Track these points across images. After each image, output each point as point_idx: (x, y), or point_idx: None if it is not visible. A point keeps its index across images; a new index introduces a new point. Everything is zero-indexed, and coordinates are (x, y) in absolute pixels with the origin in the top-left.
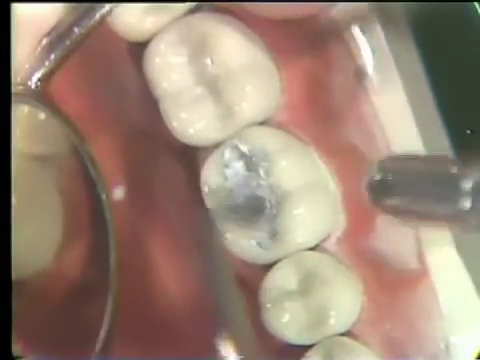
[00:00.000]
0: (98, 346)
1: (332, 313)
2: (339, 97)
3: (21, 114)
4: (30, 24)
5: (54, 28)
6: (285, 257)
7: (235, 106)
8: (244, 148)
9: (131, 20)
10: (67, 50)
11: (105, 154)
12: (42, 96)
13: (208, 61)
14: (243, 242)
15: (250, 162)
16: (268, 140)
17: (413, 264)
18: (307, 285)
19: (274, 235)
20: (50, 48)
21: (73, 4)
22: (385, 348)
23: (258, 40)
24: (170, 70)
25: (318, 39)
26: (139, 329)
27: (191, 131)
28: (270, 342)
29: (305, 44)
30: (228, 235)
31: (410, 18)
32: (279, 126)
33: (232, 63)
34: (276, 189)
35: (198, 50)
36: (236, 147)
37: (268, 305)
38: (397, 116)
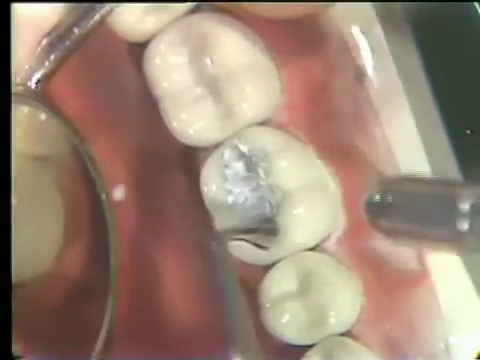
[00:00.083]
0: (98, 346)
1: (332, 313)
2: (339, 97)
3: (21, 114)
4: (30, 24)
5: (54, 28)
6: (285, 257)
7: (235, 106)
8: (244, 148)
9: (131, 20)
10: (67, 50)
11: (105, 154)
12: (42, 96)
13: (208, 61)
14: (243, 242)
15: (250, 162)
16: (268, 140)
17: (413, 264)
18: (307, 285)
19: (274, 235)
20: (50, 48)
21: (73, 4)
22: (385, 348)
23: (258, 40)
24: (170, 70)
25: (318, 39)
26: (139, 329)
27: (191, 131)
28: (270, 342)
29: (305, 44)
30: (227, 233)
31: (410, 18)
32: (279, 126)
33: (232, 63)
34: (276, 189)
35: (198, 50)
36: (236, 147)
37: (268, 305)
38: (396, 116)
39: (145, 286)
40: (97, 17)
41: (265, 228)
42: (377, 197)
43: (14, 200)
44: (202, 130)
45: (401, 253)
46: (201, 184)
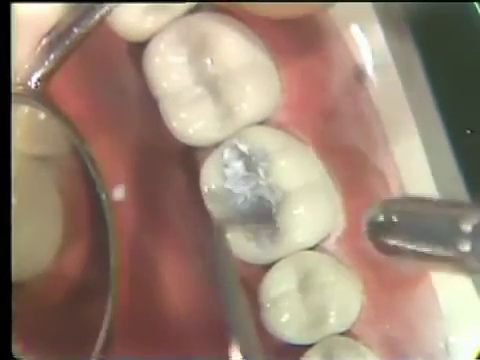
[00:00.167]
0: (98, 346)
1: (332, 313)
2: (339, 97)
3: (21, 114)
4: (30, 24)
5: (54, 28)
6: (285, 257)
7: (235, 106)
8: (244, 148)
9: (131, 20)
10: (67, 50)
11: (105, 154)
12: (42, 96)
13: (208, 61)
14: (243, 242)
15: (249, 162)
16: (268, 140)
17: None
18: (307, 285)
19: (274, 235)
20: (50, 48)
21: (73, 4)
22: (385, 348)
23: (258, 40)
24: (170, 70)
25: (318, 39)
26: (140, 329)
27: (191, 131)
28: (270, 342)
29: (305, 44)
30: (228, 235)
31: (410, 18)
32: (279, 126)
33: (232, 63)
34: (276, 189)
35: (198, 50)
36: (235, 147)
37: (268, 305)
38: (396, 116)
39: (145, 286)
40: (97, 17)
41: (262, 217)
42: (379, 217)
43: (14, 200)
44: (202, 130)
45: None
46: (201, 183)
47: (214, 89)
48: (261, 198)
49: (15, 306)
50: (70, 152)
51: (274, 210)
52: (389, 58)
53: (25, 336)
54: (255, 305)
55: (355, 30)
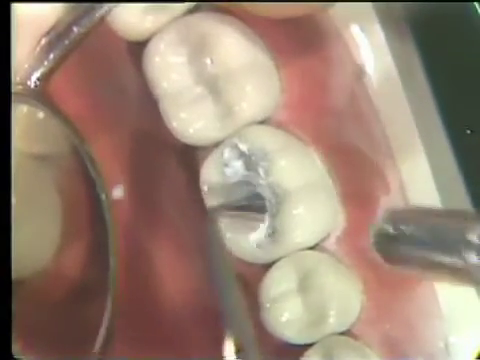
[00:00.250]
0: (97, 345)
1: (332, 312)
2: (339, 97)
3: (20, 114)
4: (30, 24)
5: (53, 28)
6: (285, 256)
7: (235, 106)
8: (244, 147)
9: (131, 20)
10: (66, 50)
11: (105, 154)
12: (41, 96)
13: (208, 61)
14: (243, 242)
15: (249, 161)
16: (268, 139)
17: None
18: (307, 284)
19: (274, 234)
20: (49, 48)
21: (72, 4)
22: (385, 347)
23: (258, 40)
24: (170, 70)
25: (318, 39)
26: (140, 329)
27: (191, 131)
28: (270, 341)
29: (305, 44)
30: (228, 234)
31: (410, 18)
32: (279, 125)
33: (232, 63)
34: (276, 188)
35: (198, 50)
36: (236, 146)
37: (267, 304)
38: (397, 116)
39: (145, 285)
40: (96, 16)
41: (255, 205)
42: (386, 228)
43: (14, 200)
44: (202, 129)
45: None
46: (201, 183)
47: (214, 89)
48: (261, 198)
49: (15, 305)
50: (70, 152)
51: (274, 210)
52: (389, 58)
53: (25, 335)
54: (255, 305)
55: (355, 30)
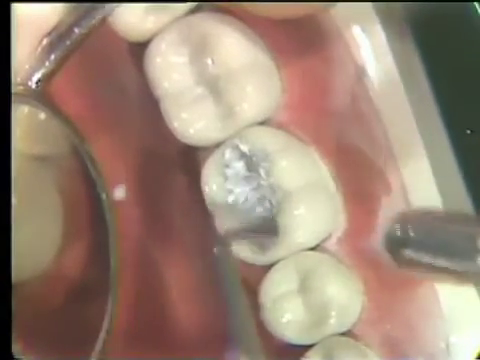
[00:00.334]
0: (98, 346)
1: (332, 313)
2: (339, 97)
3: (21, 114)
4: (30, 24)
5: (54, 28)
6: (286, 257)
7: (236, 106)
8: (244, 148)
9: (132, 20)
10: (67, 50)
11: (105, 154)
12: (42, 96)
13: (209, 61)
14: (244, 242)
15: (250, 162)
16: (268, 140)
17: None
18: (307, 285)
19: (275, 235)
20: (50, 48)
21: (73, 4)
22: (385, 348)
23: (258, 40)
24: (171, 70)
25: (318, 39)
26: (142, 330)
27: (192, 131)
28: (270, 342)
29: (305, 44)
30: (228, 235)
31: (410, 18)
32: (279, 126)
33: (233, 63)
34: (276, 189)
35: (199, 50)
36: (237, 147)
37: (268, 305)
38: (397, 116)
39: (147, 286)
40: (97, 17)
41: (266, 228)
42: (397, 231)
43: (14, 200)
44: (203, 130)
45: None
46: (202, 184)
47: (215, 89)
48: (262, 198)
49: (15, 306)
50: (70, 152)
51: (275, 210)
52: (390, 58)
53: (25, 336)
54: (256, 305)
55: (356, 30)
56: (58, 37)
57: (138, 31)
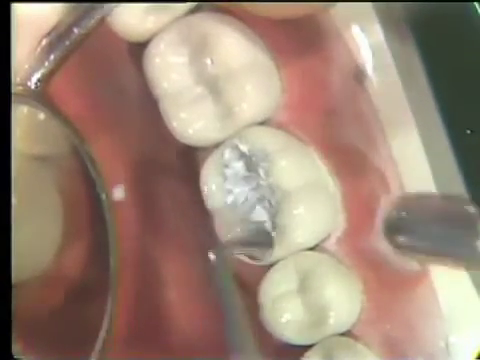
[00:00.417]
0: (98, 346)
1: (332, 313)
2: (339, 97)
3: (21, 114)
4: (30, 24)
5: (54, 28)
6: (285, 257)
7: (235, 106)
8: (244, 148)
9: (131, 20)
10: (67, 50)
11: (105, 154)
12: (42, 96)
13: (208, 61)
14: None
15: (250, 162)
16: (268, 140)
17: (413, 264)
18: (307, 285)
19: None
20: (50, 48)
21: (73, 4)
22: (385, 348)
23: (258, 40)
24: (170, 70)
25: (318, 39)
26: (140, 331)
27: (191, 131)
28: (270, 342)
29: (305, 44)
30: (228, 235)
31: (410, 18)
32: (279, 126)
33: (232, 63)
34: (276, 189)
35: (198, 50)
36: (236, 147)
37: (268, 305)
38: (397, 116)
39: (146, 286)
40: (97, 17)
41: (262, 241)
42: (396, 215)
43: (14, 200)
44: (202, 130)
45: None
46: (201, 184)
47: (214, 89)
48: (261, 198)
49: (15, 306)
50: (70, 152)
51: (274, 210)
52: (389, 58)
53: (25, 336)
54: (255, 305)
55: (355, 30)
56: (58, 37)
57: (137, 31)
